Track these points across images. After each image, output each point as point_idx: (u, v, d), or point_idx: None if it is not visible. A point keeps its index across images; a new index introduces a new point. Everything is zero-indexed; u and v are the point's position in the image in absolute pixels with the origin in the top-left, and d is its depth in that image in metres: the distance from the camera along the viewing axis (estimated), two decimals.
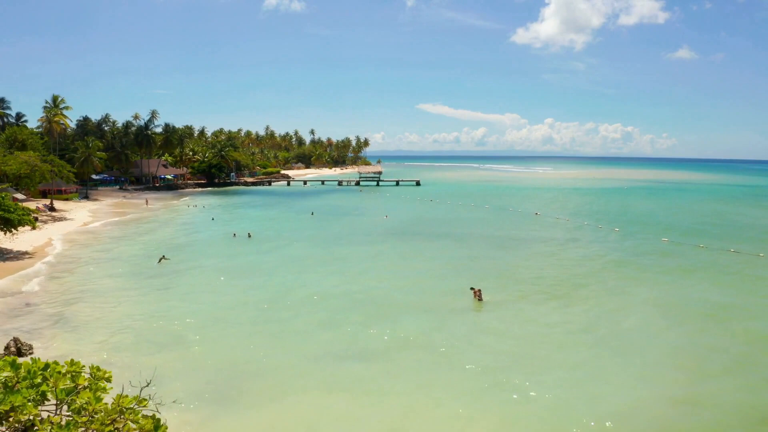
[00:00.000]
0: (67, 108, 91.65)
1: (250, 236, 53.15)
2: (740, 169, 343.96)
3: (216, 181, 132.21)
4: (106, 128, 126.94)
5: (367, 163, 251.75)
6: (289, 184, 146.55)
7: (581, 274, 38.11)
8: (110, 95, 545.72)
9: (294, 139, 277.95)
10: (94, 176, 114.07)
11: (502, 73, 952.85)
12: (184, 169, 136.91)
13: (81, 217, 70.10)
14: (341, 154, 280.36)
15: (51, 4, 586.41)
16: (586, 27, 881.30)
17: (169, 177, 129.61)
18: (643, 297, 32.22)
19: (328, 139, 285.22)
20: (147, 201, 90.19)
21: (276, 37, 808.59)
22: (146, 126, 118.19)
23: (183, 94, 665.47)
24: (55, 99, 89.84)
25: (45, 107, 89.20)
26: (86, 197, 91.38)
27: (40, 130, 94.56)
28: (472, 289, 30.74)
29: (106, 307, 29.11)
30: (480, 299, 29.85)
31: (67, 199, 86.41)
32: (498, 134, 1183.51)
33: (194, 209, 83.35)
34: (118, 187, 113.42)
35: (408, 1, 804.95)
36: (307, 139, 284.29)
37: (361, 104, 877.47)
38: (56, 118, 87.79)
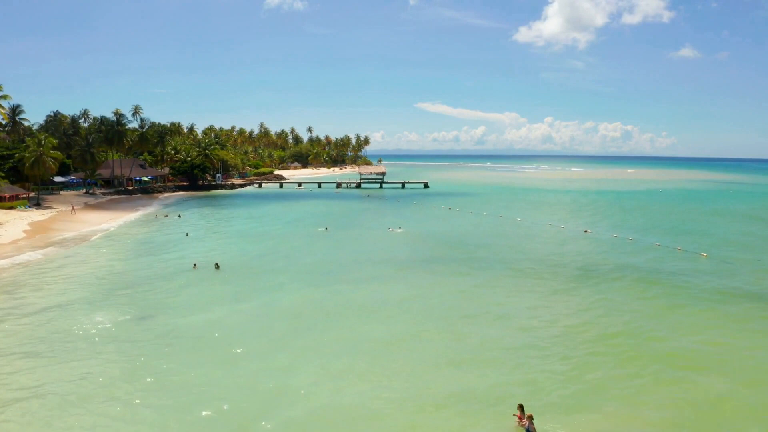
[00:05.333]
0: (4, 97, 76.35)
1: (217, 267, 38.84)
2: (751, 168, 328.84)
3: (199, 183, 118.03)
4: (85, 125, 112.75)
5: (368, 163, 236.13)
6: (281, 186, 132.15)
7: (714, 353, 23.15)
8: (109, 95, 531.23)
9: (290, 137, 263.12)
10: (59, 178, 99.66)
11: (502, 72, 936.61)
12: (166, 169, 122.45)
13: (14, 232, 55.73)
14: (340, 153, 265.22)
15: (50, 4, 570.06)
16: (589, 25, 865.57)
17: (145, 179, 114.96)
18: None
19: (327, 137, 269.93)
20: (73, 208, 74.32)
21: (276, 36, 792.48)
22: (118, 121, 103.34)
23: (182, 93, 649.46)
24: None
25: None
26: (38, 204, 76.87)
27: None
28: (520, 407, 16.84)
29: None
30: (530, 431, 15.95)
31: (11, 207, 71.97)
32: (497, 133, 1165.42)
33: (165, 219, 69.41)
34: (84, 191, 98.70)
35: None
36: (305, 137, 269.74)
37: (360, 103, 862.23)
38: None
